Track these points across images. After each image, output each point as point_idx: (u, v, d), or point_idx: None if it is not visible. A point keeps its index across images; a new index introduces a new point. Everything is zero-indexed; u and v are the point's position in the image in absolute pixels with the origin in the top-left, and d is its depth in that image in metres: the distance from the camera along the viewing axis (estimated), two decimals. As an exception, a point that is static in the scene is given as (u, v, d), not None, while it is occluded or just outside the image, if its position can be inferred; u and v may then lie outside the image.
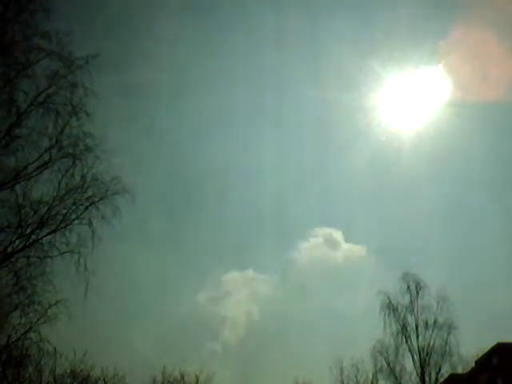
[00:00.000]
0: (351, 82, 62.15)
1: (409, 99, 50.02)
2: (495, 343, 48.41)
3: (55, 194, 22.48)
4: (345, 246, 75.87)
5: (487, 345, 49.19)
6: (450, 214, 71.98)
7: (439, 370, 47.42)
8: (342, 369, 52.22)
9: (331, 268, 77.41)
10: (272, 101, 78.10)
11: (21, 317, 23.47)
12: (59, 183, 22.47)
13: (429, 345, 47.49)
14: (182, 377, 55.44)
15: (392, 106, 53.07)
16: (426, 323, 47.89)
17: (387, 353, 47.53)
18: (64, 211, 22.74)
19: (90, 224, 23.04)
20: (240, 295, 76.50)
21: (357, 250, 73.20)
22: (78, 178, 22.73)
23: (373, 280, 64.50)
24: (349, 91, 60.71)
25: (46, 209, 22.35)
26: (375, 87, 48.98)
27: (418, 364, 47.37)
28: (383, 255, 69.66)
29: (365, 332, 53.12)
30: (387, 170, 70.61)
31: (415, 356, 47.50)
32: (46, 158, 21.92)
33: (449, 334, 47.23)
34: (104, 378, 47.69)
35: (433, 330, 47.72)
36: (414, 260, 66.65)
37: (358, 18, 64.58)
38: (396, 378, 47.43)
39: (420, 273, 48.88)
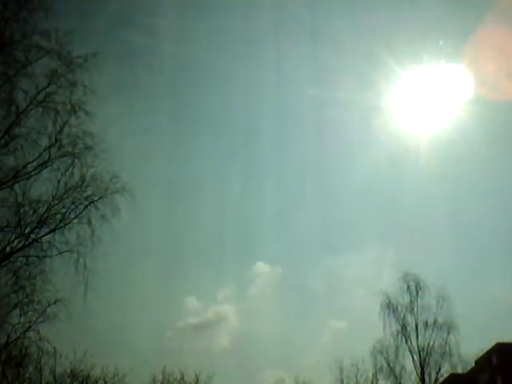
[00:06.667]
0: (366, 79, 60.83)
1: (429, 98, 47.77)
2: (495, 343, 48.33)
3: (54, 193, 22.52)
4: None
5: (487, 345, 49.17)
6: (464, 216, 70.66)
7: (439, 369, 47.49)
8: (342, 369, 52.27)
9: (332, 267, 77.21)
10: (276, 101, 77.52)
11: (20, 316, 23.41)
12: (58, 182, 22.49)
13: (429, 345, 47.53)
14: (182, 377, 55.42)
15: (410, 105, 50.77)
16: (426, 323, 47.93)
17: (387, 353, 47.59)
18: (63, 210, 22.78)
19: (90, 223, 23.06)
20: (237, 294, 76.09)
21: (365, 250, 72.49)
22: (77, 177, 22.78)
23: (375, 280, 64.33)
24: (364, 90, 59.47)
25: (45, 208, 22.37)
26: (392, 85, 47.60)
27: (417, 364, 47.38)
28: (395, 257, 68.43)
29: (365, 332, 53.22)
30: (403, 172, 68.85)
31: (415, 356, 47.53)
32: (46, 157, 21.95)
33: (449, 333, 47.31)
34: (104, 378, 47.69)
35: (433, 330, 47.76)
36: (421, 259, 65.66)
37: (376, 11, 62.16)
38: (396, 378, 47.46)
39: (423, 272, 48.88)
